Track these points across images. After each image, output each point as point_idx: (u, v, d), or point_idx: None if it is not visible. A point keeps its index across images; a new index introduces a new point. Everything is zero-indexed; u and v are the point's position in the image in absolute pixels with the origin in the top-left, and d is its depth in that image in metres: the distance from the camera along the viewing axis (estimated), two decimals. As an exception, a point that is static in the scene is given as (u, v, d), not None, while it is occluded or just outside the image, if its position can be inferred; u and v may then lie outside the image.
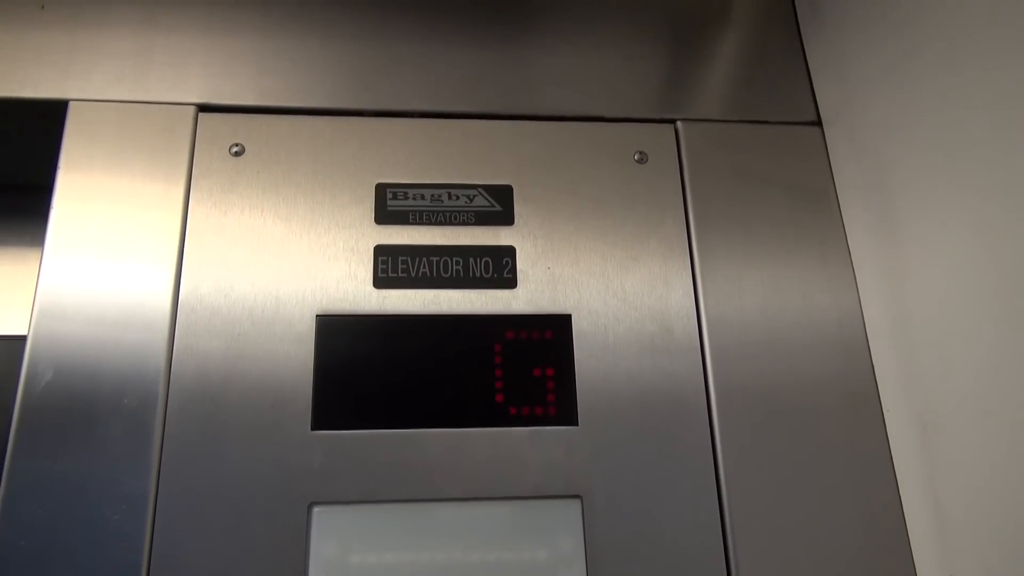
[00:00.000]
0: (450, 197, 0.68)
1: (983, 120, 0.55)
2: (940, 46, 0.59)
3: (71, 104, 0.67)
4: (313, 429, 0.59)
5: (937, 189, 0.59)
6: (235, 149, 0.67)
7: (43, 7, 0.70)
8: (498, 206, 0.68)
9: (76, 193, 0.64)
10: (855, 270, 0.69)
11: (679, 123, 0.73)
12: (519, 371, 0.63)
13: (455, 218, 0.67)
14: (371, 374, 0.61)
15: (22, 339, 0.59)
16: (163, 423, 0.58)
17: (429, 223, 0.67)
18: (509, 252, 0.66)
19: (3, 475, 0.56)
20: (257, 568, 0.56)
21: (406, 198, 0.67)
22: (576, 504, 0.60)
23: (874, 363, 0.66)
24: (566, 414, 0.62)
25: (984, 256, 0.54)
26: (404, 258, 0.65)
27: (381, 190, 0.67)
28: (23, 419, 0.57)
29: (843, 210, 0.71)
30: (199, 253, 0.63)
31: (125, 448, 0.57)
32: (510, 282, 0.65)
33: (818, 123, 0.75)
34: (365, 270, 0.64)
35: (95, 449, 0.57)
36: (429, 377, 0.62)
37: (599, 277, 0.66)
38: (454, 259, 0.66)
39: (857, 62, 0.70)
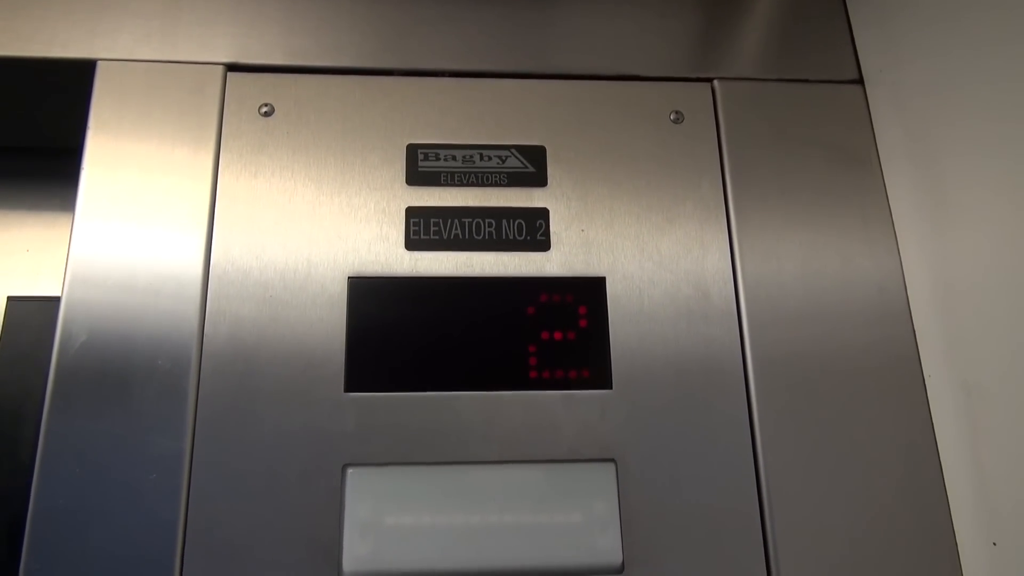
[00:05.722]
0: (482, 158, 0.66)
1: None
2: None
3: (99, 64, 0.66)
4: (346, 391, 0.59)
5: (984, 151, 0.57)
6: (264, 109, 0.66)
7: (69, -34, 0.69)
8: (531, 167, 0.67)
9: (106, 156, 0.64)
10: (897, 233, 0.67)
11: (716, 82, 0.71)
12: (552, 334, 0.62)
13: (487, 179, 0.66)
14: (404, 336, 0.61)
15: (56, 300, 0.59)
16: (197, 385, 0.58)
17: (461, 184, 0.66)
18: (542, 214, 0.65)
19: (40, 435, 0.56)
20: (292, 528, 0.56)
21: (437, 159, 0.66)
22: (610, 467, 0.59)
23: (916, 328, 0.64)
24: (600, 378, 0.61)
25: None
26: (436, 220, 0.64)
27: (412, 151, 0.66)
28: (59, 380, 0.58)
29: (885, 172, 0.69)
30: (230, 216, 0.63)
31: (160, 409, 0.57)
32: (543, 244, 0.64)
33: (860, 81, 0.72)
34: (397, 232, 0.64)
35: (130, 410, 0.57)
36: (462, 339, 0.61)
37: (634, 240, 0.65)
38: (486, 221, 0.65)
39: (902, 18, 0.67)
